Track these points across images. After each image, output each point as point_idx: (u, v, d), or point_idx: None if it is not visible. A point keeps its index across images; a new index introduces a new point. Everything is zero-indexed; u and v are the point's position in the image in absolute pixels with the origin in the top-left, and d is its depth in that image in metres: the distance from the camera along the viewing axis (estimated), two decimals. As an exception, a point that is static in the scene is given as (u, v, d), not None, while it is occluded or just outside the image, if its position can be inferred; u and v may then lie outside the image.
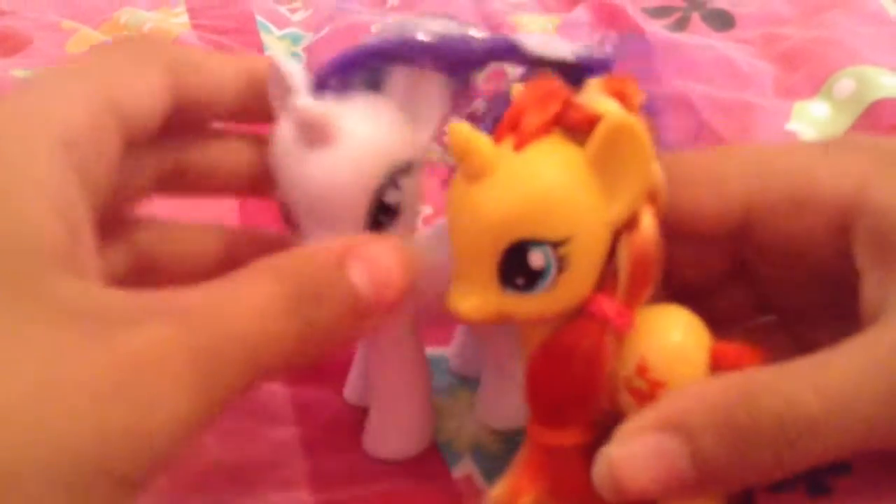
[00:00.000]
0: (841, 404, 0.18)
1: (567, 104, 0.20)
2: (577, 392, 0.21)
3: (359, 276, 0.19)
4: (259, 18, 0.64)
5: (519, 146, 0.20)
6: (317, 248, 0.20)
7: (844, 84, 0.50)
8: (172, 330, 0.17)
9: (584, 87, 0.21)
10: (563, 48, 0.23)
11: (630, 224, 0.20)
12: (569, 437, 0.21)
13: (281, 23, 0.66)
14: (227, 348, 0.17)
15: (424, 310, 0.25)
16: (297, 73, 0.23)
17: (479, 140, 0.20)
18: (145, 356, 0.16)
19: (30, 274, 0.16)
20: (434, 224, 0.25)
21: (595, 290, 0.20)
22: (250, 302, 0.18)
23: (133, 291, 0.17)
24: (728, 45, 0.59)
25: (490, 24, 0.55)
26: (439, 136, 0.24)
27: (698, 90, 0.53)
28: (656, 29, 0.60)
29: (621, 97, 0.20)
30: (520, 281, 0.20)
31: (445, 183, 0.22)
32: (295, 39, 0.64)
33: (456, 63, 0.23)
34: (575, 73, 0.22)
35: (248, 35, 0.61)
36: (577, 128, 0.20)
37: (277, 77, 0.23)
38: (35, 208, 0.17)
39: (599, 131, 0.19)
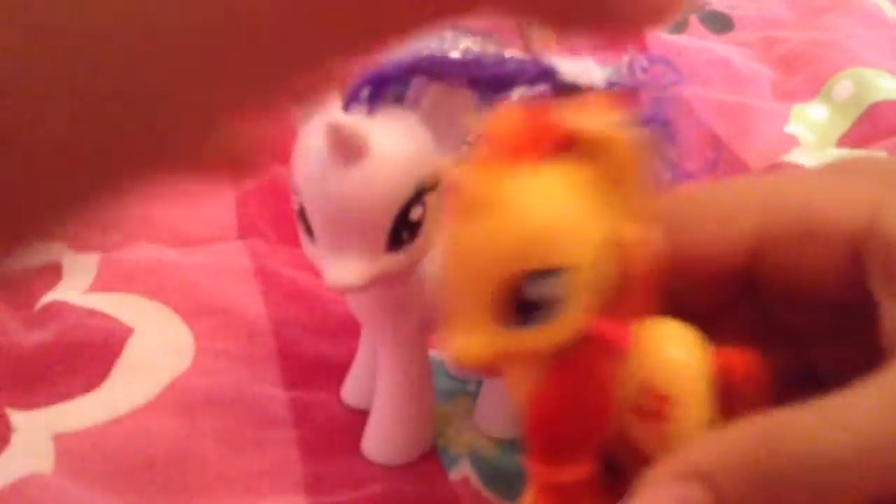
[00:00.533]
0: (869, 446, 0.17)
1: (553, 125, 0.19)
2: (588, 424, 0.20)
3: None
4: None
5: (512, 174, 0.19)
6: None
7: (843, 86, 0.50)
8: None
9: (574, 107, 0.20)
10: (597, 74, 0.23)
11: (622, 240, 0.19)
12: (575, 472, 0.20)
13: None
14: None
15: (431, 318, 0.25)
16: None
17: (471, 175, 0.19)
18: None
19: None
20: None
21: (591, 314, 0.19)
22: None
23: None
24: (727, 48, 0.59)
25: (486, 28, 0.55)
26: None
27: (697, 93, 0.53)
28: (654, 32, 0.60)
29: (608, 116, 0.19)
30: (523, 315, 0.19)
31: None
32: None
33: (489, 83, 0.23)
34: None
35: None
36: (567, 148, 0.19)
37: None
38: None
39: (596, 152, 0.19)
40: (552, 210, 0.19)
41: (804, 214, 0.21)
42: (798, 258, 0.21)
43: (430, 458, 0.27)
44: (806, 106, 0.51)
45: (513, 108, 0.20)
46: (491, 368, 0.20)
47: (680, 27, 0.63)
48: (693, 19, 0.64)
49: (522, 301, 0.18)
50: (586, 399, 0.20)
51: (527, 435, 0.20)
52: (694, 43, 0.60)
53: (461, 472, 0.27)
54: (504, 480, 0.26)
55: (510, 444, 0.28)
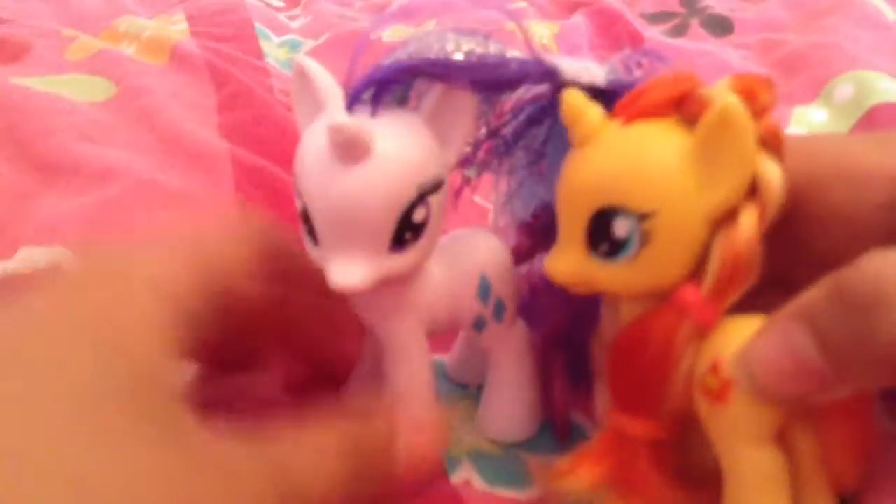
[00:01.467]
0: None
1: (689, 93, 0.20)
2: (648, 378, 0.21)
3: (403, 454, 0.22)
4: (258, 25, 0.64)
5: (628, 121, 0.21)
6: (374, 415, 0.23)
7: (843, 89, 0.50)
8: (259, 455, 0.19)
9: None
10: (598, 73, 0.23)
11: (729, 219, 0.20)
12: (641, 428, 0.21)
13: (280, 30, 0.66)
14: (296, 483, 0.20)
15: (433, 319, 0.25)
16: (331, 86, 0.23)
17: (588, 108, 0.21)
18: (236, 469, 0.19)
19: (166, 408, 0.19)
20: (441, 238, 0.25)
21: (686, 280, 0.20)
22: (312, 445, 0.21)
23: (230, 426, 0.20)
24: (727, 51, 0.59)
25: (488, 30, 0.55)
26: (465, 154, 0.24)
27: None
28: (654, 34, 0.60)
29: (749, 95, 0.20)
30: (604, 247, 0.20)
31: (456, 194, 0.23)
32: (294, 46, 0.64)
33: (491, 84, 0.23)
34: (606, 96, 0.23)
35: (247, 42, 0.61)
36: (693, 117, 0.20)
37: (307, 85, 0.23)
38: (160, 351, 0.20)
39: (705, 117, 0.19)
40: (646, 155, 0.20)
41: (845, 160, 0.22)
42: (838, 201, 0.22)
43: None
44: (806, 108, 0.51)
45: (665, 75, 0.21)
46: (577, 290, 0.22)
47: (681, 30, 0.63)
48: (694, 23, 0.64)
49: (609, 235, 0.20)
50: (649, 354, 0.21)
51: (606, 375, 0.22)
52: (694, 46, 0.60)
53: (463, 474, 0.27)
54: (507, 480, 0.26)
55: (513, 447, 0.28)
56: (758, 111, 0.20)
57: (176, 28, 0.63)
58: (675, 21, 0.64)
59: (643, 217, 0.20)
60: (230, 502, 0.18)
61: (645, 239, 0.20)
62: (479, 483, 0.26)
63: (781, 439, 0.20)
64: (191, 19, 0.65)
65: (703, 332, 0.20)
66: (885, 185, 0.21)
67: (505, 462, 0.27)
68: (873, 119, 0.47)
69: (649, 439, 0.21)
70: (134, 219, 0.39)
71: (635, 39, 0.59)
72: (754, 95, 0.20)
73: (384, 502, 0.22)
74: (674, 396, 0.21)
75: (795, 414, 0.20)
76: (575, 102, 0.21)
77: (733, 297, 0.20)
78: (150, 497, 0.17)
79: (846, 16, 0.60)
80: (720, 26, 0.63)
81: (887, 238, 0.21)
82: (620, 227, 0.20)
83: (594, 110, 0.21)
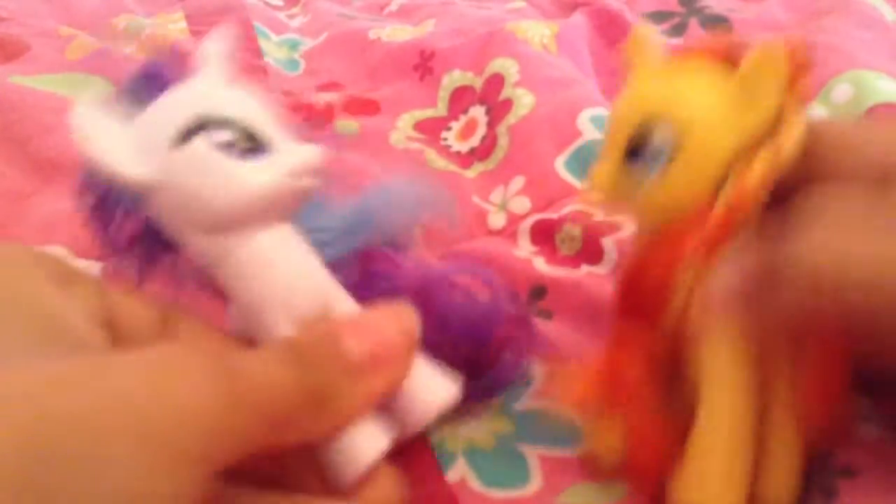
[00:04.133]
0: None
1: (738, 45, 0.23)
2: (652, 294, 0.23)
3: (349, 342, 0.21)
4: (257, 24, 0.64)
5: (678, 58, 0.24)
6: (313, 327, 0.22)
7: (842, 89, 0.50)
8: (195, 349, 0.19)
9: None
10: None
11: (745, 162, 0.22)
12: (642, 337, 0.24)
13: (279, 29, 0.66)
14: (243, 377, 0.18)
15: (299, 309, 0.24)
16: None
17: (652, 42, 0.25)
18: (175, 359, 0.18)
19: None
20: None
21: (697, 196, 0.23)
22: (256, 356, 0.20)
23: None
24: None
25: (488, 30, 0.55)
26: None
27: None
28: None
29: (790, 50, 0.22)
30: (640, 157, 0.23)
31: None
32: (293, 45, 0.64)
33: None
34: None
35: (246, 41, 0.61)
36: (737, 62, 0.23)
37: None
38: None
39: (749, 53, 0.22)
40: (689, 77, 0.23)
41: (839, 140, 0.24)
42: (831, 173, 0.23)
43: (425, 457, 0.27)
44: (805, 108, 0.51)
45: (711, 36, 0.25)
46: (613, 204, 0.25)
47: (679, 30, 0.63)
48: (692, 22, 0.64)
49: (647, 145, 0.23)
50: (659, 274, 0.23)
51: (617, 287, 0.25)
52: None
53: (458, 472, 0.27)
54: (504, 478, 0.26)
55: (508, 439, 0.28)
56: (795, 66, 0.22)
57: (175, 26, 0.63)
58: (674, 20, 0.64)
59: (679, 125, 0.22)
60: (170, 391, 0.17)
61: (677, 150, 0.22)
62: (474, 483, 0.26)
63: (759, 384, 0.22)
64: (189, 17, 0.65)
65: (711, 256, 0.22)
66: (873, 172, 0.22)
67: (502, 457, 0.27)
68: (872, 119, 0.47)
69: (646, 350, 0.24)
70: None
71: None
72: (794, 52, 0.22)
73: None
74: (671, 315, 0.23)
75: (772, 358, 0.22)
76: (642, 34, 0.25)
77: (726, 238, 0.22)
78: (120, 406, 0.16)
79: (845, 16, 0.59)
80: (718, 26, 0.63)
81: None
82: (659, 135, 0.22)
83: (656, 44, 0.24)
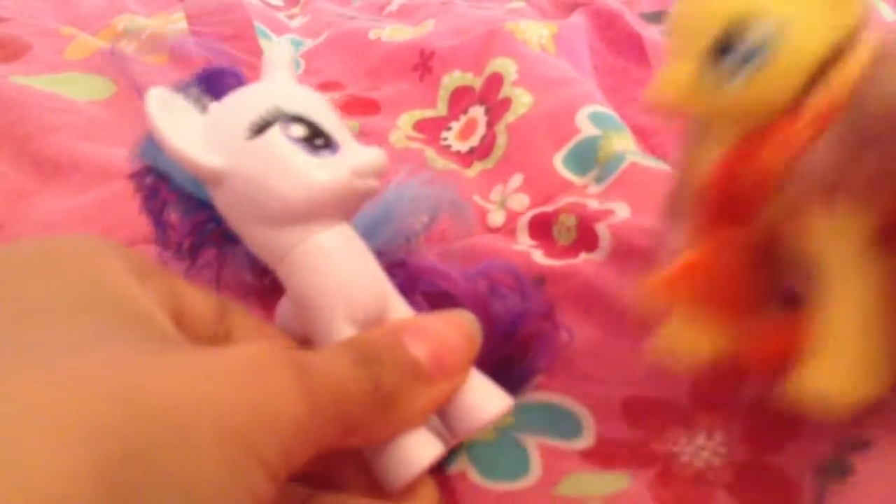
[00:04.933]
0: None
1: None
2: (748, 196, 0.22)
3: (415, 346, 0.21)
4: (257, 24, 0.64)
5: None
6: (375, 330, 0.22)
7: (840, 89, 0.50)
8: (277, 350, 0.18)
9: None
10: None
11: (832, 68, 0.22)
12: (737, 234, 0.23)
13: (279, 29, 0.66)
14: (319, 378, 0.19)
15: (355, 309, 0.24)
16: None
17: None
18: (259, 361, 0.18)
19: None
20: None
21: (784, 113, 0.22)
22: (327, 357, 0.20)
23: None
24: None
25: (488, 30, 0.55)
26: None
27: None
28: (653, 34, 0.60)
29: None
30: (730, 56, 0.22)
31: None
32: (293, 45, 0.64)
33: None
34: None
35: (246, 41, 0.61)
36: None
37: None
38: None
39: None
40: None
41: None
42: None
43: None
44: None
45: None
46: (685, 107, 0.24)
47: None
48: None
49: (740, 42, 0.22)
50: (764, 163, 0.22)
51: (708, 192, 0.24)
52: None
53: (458, 465, 0.27)
54: (505, 470, 0.26)
55: (508, 432, 0.28)
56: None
57: (175, 27, 0.64)
58: (674, 21, 0.65)
59: (779, 22, 0.22)
60: (254, 393, 0.17)
61: (775, 47, 0.21)
62: (474, 476, 0.26)
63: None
64: (190, 18, 0.65)
65: (799, 154, 0.21)
66: None
67: (503, 448, 0.27)
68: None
69: (743, 248, 0.23)
70: (133, 216, 0.39)
71: (633, 39, 0.59)
72: None
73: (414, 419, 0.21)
74: (773, 210, 0.22)
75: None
76: None
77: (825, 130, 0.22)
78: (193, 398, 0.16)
79: (843, 16, 0.60)
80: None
81: None
82: (756, 32, 0.22)
83: None
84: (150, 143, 0.27)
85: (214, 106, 0.23)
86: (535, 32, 0.55)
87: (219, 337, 0.23)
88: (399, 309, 0.23)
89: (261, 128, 0.21)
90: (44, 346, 0.16)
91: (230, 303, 0.23)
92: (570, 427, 0.28)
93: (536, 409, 0.29)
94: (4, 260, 0.19)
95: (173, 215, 0.27)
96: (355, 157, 0.22)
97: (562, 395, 0.30)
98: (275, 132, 0.21)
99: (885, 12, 0.61)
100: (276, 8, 0.73)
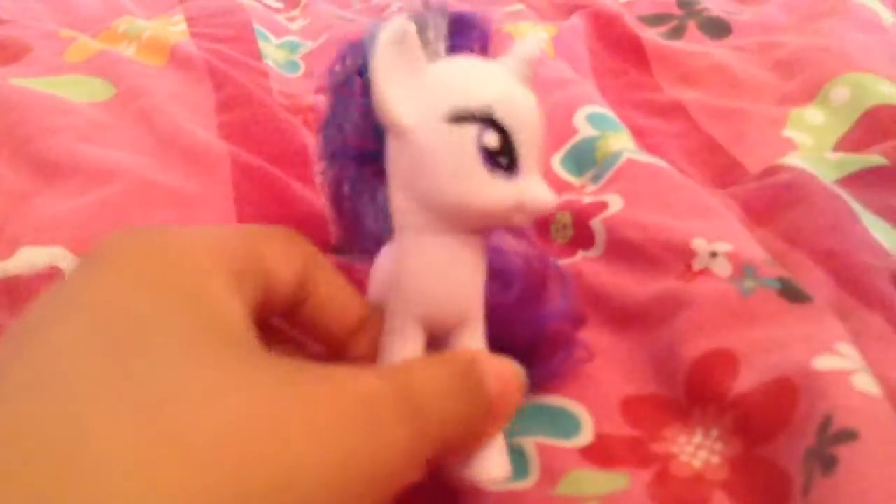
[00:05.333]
0: None
1: None
2: None
3: (493, 382, 0.21)
4: (257, 27, 0.64)
5: None
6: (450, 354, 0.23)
7: (840, 91, 0.50)
8: (381, 380, 0.19)
9: None
10: None
11: None
12: None
13: (279, 31, 0.66)
14: (422, 404, 0.19)
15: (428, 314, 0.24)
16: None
17: None
18: (364, 395, 0.18)
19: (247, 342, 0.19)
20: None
21: None
22: (428, 380, 0.20)
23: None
24: (724, 53, 0.59)
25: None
26: None
27: (694, 97, 0.53)
28: (652, 36, 0.61)
29: None
30: None
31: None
32: (293, 48, 0.64)
33: None
34: None
35: (246, 43, 0.61)
36: None
37: (408, 48, 0.22)
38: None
39: None
40: None
41: None
42: None
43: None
44: (803, 110, 0.51)
45: None
46: None
47: (678, 32, 0.64)
48: (691, 25, 0.64)
49: None
50: None
51: None
52: (692, 48, 0.60)
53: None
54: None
55: (510, 430, 0.28)
56: None
57: (175, 29, 0.64)
58: (673, 23, 0.65)
59: None
60: (365, 423, 0.18)
61: None
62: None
63: None
64: (190, 20, 0.66)
65: None
66: None
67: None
68: (869, 121, 0.47)
69: None
70: (133, 219, 0.39)
71: (632, 42, 0.59)
72: None
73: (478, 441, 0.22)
74: None
75: None
76: None
77: None
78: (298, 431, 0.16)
79: (843, 18, 0.60)
80: (717, 28, 0.63)
81: None
82: None
83: None
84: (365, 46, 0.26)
85: (439, 66, 0.23)
86: (535, 34, 0.55)
87: (298, 300, 0.23)
88: (475, 335, 0.24)
89: (462, 118, 0.21)
90: (161, 394, 0.16)
91: (316, 258, 0.24)
92: (569, 426, 0.28)
93: (535, 409, 0.29)
94: (116, 272, 0.18)
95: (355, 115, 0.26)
96: (527, 192, 0.22)
97: (561, 395, 0.30)
98: (469, 131, 0.21)
99: (885, 15, 0.62)
100: (276, 10, 0.73)
